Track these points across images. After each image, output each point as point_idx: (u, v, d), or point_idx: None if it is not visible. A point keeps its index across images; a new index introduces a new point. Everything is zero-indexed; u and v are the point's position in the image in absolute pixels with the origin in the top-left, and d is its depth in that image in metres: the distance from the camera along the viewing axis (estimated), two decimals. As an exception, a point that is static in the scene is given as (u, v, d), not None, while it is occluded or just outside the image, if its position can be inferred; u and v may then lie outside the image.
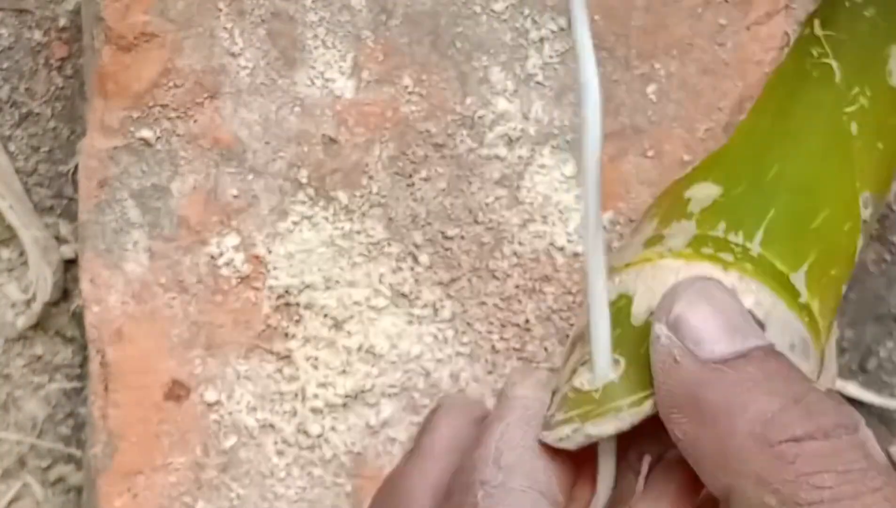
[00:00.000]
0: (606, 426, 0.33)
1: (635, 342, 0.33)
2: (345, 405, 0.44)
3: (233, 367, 0.43)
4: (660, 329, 0.32)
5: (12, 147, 0.47)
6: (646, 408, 0.32)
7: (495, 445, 0.34)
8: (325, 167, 0.44)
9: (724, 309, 0.32)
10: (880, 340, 0.48)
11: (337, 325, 0.44)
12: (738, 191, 0.37)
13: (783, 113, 0.39)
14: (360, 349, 0.43)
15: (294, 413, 0.43)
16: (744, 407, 0.30)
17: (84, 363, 0.46)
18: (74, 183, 0.46)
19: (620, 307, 0.35)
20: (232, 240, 0.44)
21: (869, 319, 0.48)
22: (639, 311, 0.34)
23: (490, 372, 0.44)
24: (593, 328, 0.33)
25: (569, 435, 0.33)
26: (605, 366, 0.33)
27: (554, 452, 0.34)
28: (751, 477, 0.30)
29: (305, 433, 0.43)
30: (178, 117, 0.44)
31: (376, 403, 0.44)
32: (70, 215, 0.46)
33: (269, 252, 0.44)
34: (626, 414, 0.33)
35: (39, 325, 0.46)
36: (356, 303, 0.44)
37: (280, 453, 0.43)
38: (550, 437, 0.34)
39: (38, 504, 0.46)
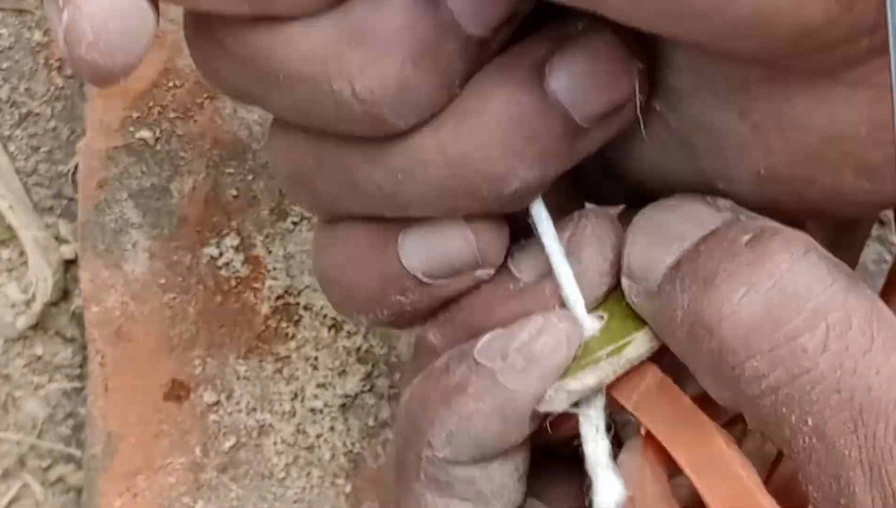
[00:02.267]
0: (586, 379, 0.31)
1: (620, 295, 0.32)
2: (344, 405, 0.44)
3: (232, 367, 0.43)
4: (623, 278, 0.31)
5: (12, 147, 0.47)
6: (626, 355, 0.31)
7: (457, 420, 0.31)
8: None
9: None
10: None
11: (336, 326, 0.44)
12: None
13: None
14: (358, 349, 0.44)
15: (293, 414, 0.43)
16: (674, 315, 0.29)
17: (84, 363, 0.46)
18: (74, 183, 0.46)
19: None
20: (232, 240, 0.44)
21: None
22: None
23: (490, 373, 0.44)
24: (562, 287, 0.32)
25: (551, 396, 0.31)
26: (581, 318, 0.32)
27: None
28: (705, 379, 0.29)
29: (305, 433, 0.43)
30: (178, 117, 0.44)
31: (375, 404, 0.44)
32: (70, 215, 0.46)
33: (269, 253, 0.44)
34: (606, 363, 0.31)
35: (39, 325, 0.46)
36: (355, 304, 0.44)
37: (279, 453, 0.43)
38: None
39: (38, 504, 0.46)
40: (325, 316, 0.44)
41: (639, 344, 0.31)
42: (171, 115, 0.44)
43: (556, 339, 0.31)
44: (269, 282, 0.44)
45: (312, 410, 0.43)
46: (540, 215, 0.33)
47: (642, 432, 0.32)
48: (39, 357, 0.47)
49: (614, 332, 0.32)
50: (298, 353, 0.44)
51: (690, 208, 0.31)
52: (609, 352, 0.31)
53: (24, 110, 0.47)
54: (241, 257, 0.44)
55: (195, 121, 0.44)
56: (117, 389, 0.43)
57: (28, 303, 0.46)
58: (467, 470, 0.32)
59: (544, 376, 0.31)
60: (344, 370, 0.44)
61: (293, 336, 0.44)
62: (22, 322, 0.46)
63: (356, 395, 0.44)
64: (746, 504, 0.29)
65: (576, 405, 0.32)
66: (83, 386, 0.46)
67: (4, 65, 0.47)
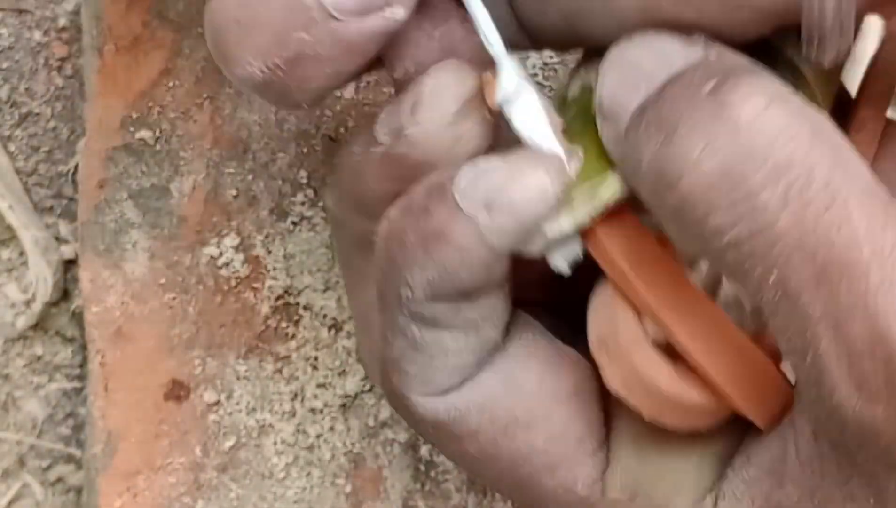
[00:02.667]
0: (563, 223, 0.30)
1: (592, 127, 0.31)
2: (344, 405, 0.44)
3: (232, 367, 0.43)
4: (598, 118, 0.30)
5: (12, 147, 0.47)
6: (600, 196, 0.30)
7: (434, 267, 0.30)
8: (324, 167, 0.44)
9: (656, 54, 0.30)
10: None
11: (336, 326, 0.44)
12: None
13: None
14: (359, 349, 0.43)
15: (293, 414, 0.43)
16: (639, 167, 0.29)
17: (84, 363, 0.46)
18: (74, 183, 0.46)
19: (585, 99, 0.32)
20: (231, 240, 0.44)
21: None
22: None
23: (490, 373, 0.44)
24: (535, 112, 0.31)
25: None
26: (555, 148, 0.31)
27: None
28: (671, 231, 0.29)
29: (305, 433, 0.43)
30: (178, 117, 0.44)
31: (375, 404, 0.44)
32: (70, 215, 0.47)
33: (269, 253, 0.44)
34: (581, 205, 0.30)
35: (39, 325, 0.46)
36: (355, 304, 0.44)
37: (279, 453, 0.43)
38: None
39: (38, 504, 0.46)
40: (325, 316, 0.44)
41: (612, 182, 0.30)
42: (171, 115, 0.44)
43: (543, 191, 0.30)
44: (269, 282, 0.44)
45: (312, 410, 0.43)
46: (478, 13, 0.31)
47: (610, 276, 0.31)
48: (39, 357, 0.47)
49: (588, 170, 0.31)
50: (298, 353, 0.44)
51: (662, 44, 0.30)
52: (584, 192, 0.31)
53: (24, 110, 0.47)
54: (241, 257, 0.44)
55: (195, 121, 0.44)
56: (117, 389, 0.43)
57: (28, 303, 0.46)
58: (451, 305, 0.31)
59: (529, 228, 0.30)
60: (344, 370, 0.44)
61: (293, 336, 0.44)
62: (22, 322, 0.46)
63: (356, 395, 0.44)
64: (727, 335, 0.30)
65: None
66: (83, 386, 0.46)
67: (4, 65, 0.47)
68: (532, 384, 0.33)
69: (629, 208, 0.31)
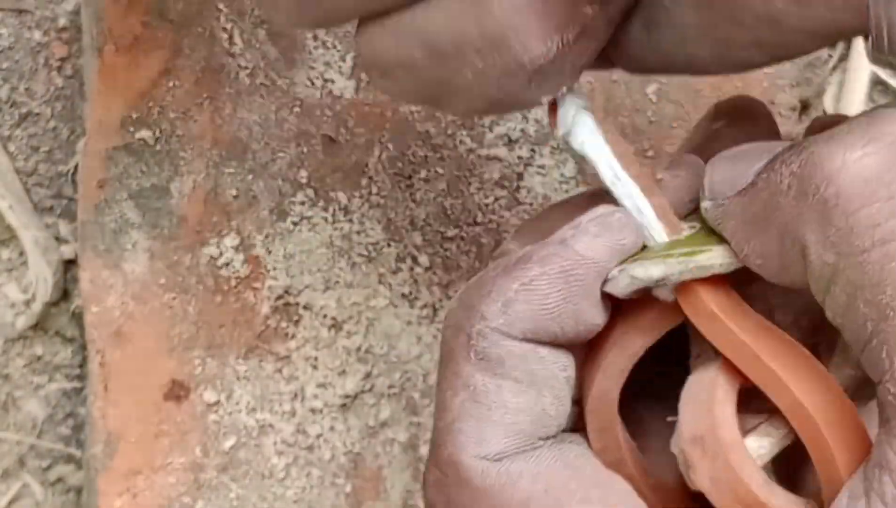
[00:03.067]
0: (653, 270, 0.31)
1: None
2: (344, 405, 0.44)
3: (232, 367, 0.43)
4: (703, 202, 0.32)
5: (12, 147, 0.47)
6: (698, 260, 0.31)
7: (517, 287, 0.31)
8: (324, 168, 0.44)
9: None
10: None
11: (336, 325, 0.44)
12: None
13: None
14: (359, 349, 0.44)
15: (293, 414, 0.43)
16: (778, 186, 0.30)
17: (84, 363, 0.46)
18: (74, 183, 0.46)
19: None
20: (231, 240, 0.44)
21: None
22: None
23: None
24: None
25: (615, 276, 0.31)
26: (659, 228, 0.32)
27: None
28: (809, 241, 0.29)
29: (305, 433, 0.43)
30: (178, 117, 0.44)
31: (375, 403, 0.44)
32: (70, 215, 0.47)
33: (269, 253, 0.44)
34: (676, 261, 0.31)
35: (39, 325, 0.46)
36: (355, 304, 0.44)
37: (279, 453, 0.43)
38: None
39: (38, 504, 0.46)
40: (325, 316, 0.44)
41: (715, 255, 0.31)
42: (171, 115, 0.44)
43: (629, 217, 0.32)
44: (269, 282, 0.44)
45: (312, 410, 0.43)
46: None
47: (714, 359, 0.32)
48: (39, 357, 0.47)
49: (696, 240, 0.32)
50: (298, 353, 0.44)
51: (765, 144, 0.32)
52: (683, 253, 0.31)
53: (24, 110, 0.47)
54: (241, 257, 0.44)
55: (195, 121, 0.44)
56: (117, 389, 0.43)
57: (28, 303, 0.46)
58: (519, 345, 0.31)
59: (614, 247, 0.32)
60: (344, 370, 0.44)
61: (293, 336, 0.44)
62: (22, 322, 0.46)
63: (356, 395, 0.44)
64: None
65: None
66: (83, 386, 0.46)
67: (4, 65, 0.47)
68: (590, 468, 0.33)
69: (730, 284, 0.32)
